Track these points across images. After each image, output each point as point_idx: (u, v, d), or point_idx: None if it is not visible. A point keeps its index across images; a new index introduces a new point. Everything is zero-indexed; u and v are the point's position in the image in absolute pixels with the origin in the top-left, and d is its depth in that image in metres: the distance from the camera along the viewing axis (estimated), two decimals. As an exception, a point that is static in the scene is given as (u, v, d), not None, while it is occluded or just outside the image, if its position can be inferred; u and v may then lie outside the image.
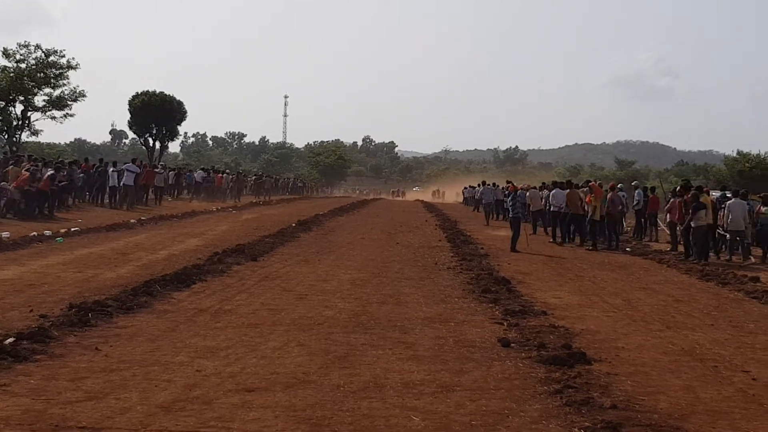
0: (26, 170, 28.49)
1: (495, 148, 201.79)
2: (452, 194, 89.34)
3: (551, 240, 27.39)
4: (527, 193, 29.93)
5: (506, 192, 32.02)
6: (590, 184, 27.29)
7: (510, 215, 24.66)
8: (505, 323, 11.75)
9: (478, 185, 51.29)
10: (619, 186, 29.67)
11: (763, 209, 22.18)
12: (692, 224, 21.84)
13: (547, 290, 15.51)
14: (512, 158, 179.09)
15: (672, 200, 25.36)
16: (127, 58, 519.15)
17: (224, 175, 52.79)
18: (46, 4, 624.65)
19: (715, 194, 23.74)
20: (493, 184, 45.07)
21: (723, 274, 18.61)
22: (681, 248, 23.35)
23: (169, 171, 46.37)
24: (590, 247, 25.05)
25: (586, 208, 25.49)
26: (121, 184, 36.29)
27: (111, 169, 36.94)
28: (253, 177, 71.77)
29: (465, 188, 70.93)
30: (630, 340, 10.96)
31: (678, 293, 16.06)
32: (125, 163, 38.56)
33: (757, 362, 9.87)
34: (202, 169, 46.67)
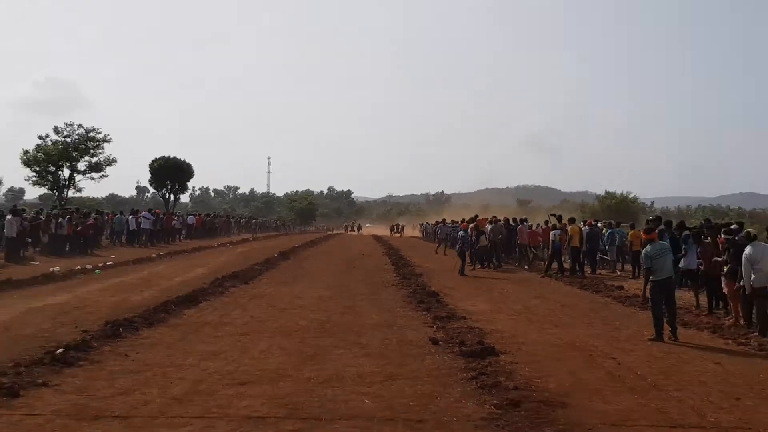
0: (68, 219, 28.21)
1: (426, 193, 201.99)
2: (409, 229, 79.61)
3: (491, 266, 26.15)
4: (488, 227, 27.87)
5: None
6: (478, 218, 27.20)
7: (457, 248, 23.95)
8: (434, 326, 11.78)
9: (436, 222, 49.51)
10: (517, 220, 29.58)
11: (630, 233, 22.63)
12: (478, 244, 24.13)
13: (466, 300, 15.57)
14: (439, 201, 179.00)
15: (520, 227, 26.69)
16: (148, 128, 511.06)
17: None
18: (85, 90, 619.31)
19: (584, 226, 23.97)
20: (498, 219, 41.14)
21: (596, 285, 18.86)
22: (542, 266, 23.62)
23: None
24: (474, 267, 24.42)
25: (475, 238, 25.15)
26: (141, 227, 36.10)
27: (131, 216, 36.44)
28: (244, 220, 71.79)
29: (424, 224, 67.13)
30: (528, 336, 11.08)
31: (563, 300, 16.25)
32: (143, 212, 38.21)
33: (621, 351, 10.02)
34: (149, 211, 42.67)
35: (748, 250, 11.25)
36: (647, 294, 11.25)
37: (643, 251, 11.34)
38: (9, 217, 24.40)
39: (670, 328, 10.98)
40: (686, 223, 19.18)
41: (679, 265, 14.89)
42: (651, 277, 11.09)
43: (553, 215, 25.56)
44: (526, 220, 29.49)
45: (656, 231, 12.72)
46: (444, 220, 46.41)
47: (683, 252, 15.22)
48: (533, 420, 6.47)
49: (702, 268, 14.38)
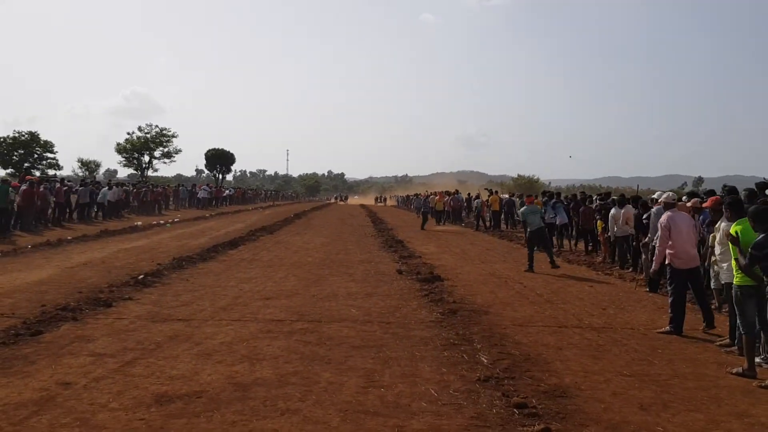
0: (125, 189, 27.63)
1: (395, 176, 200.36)
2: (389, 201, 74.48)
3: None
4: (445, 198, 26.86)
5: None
6: (438, 192, 26.99)
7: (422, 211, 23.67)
8: (399, 262, 11.75)
9: (415, 195, 44.29)
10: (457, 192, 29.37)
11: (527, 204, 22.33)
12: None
13: (421, 245, 15.52)
14: (405, 181, 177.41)
15: (447, 199, 25.84)
16: (204, 127, 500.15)
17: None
18: (159, 101, 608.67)
19: (505, 196, 23.91)
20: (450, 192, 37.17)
21: (509, 236, 18.87)
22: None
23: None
24: (442, 224, 24.55)
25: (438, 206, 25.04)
26: (201, 197, 35.69)
27: (197, 188, 36.15)
28: (271, 192, 71.14)
29: (397, 197, 63.03)
30: (463, 269, 11.09)
31: (487, 245, 16.24)
32: (203, 186, 37.94)
33: (525, 279, 10.08)
34: (207, 185, 40.58)
35: (612, 211, 11.32)
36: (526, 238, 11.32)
37: (520, 211, 11.34)
38: (114, 188, 24.02)
39: (549, 261, 11.00)
40: (567, 195, 19.07)
41: (556, 222, 14.71)
42: (528, 228, 11.09)
43: (487, 189, 25.71)
44: (457, 192, 28.81)
45: (534, 197, 13.13)
46: (418, 194, 44.28)
47: (554, 214, 14.64)
48: (466, 322, 6.48)
49: (580, 223, 14.38)
